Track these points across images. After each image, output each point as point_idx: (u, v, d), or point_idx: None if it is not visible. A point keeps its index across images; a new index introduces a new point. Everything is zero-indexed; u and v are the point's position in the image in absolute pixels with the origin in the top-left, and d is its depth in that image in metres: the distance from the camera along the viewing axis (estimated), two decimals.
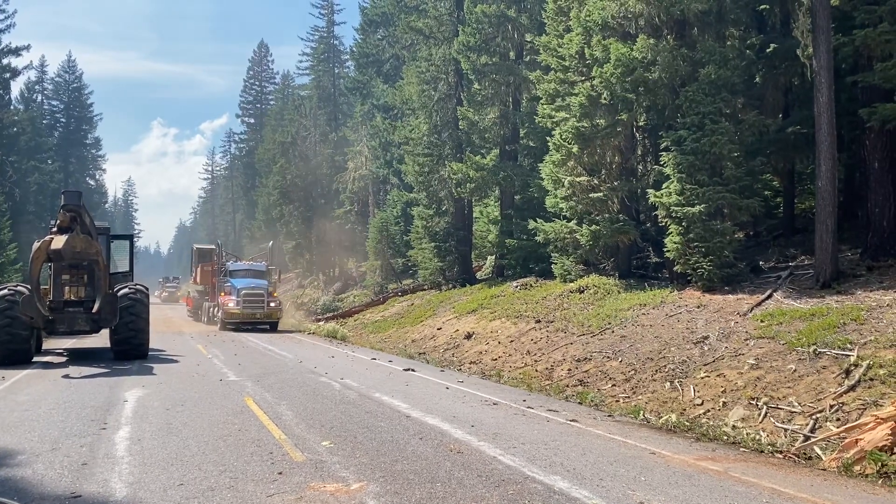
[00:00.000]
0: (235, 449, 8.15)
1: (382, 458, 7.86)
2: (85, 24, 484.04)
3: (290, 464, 7.53)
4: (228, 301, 29.14)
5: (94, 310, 16.40)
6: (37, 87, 72.29)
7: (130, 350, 17.39)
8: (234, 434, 8.96)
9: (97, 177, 77.68)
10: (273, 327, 29.89)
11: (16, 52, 46.72)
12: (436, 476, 7.15)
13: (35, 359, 17.21)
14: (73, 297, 17.42)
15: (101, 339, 20.26)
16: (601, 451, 8.50)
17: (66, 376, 14.29)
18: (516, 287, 23.61)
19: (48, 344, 20.52)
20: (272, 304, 29.51)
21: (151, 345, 18.91)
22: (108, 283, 17.04)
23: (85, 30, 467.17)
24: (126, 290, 17.67)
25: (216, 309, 31.59)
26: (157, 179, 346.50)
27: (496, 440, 8.88)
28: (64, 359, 17.94)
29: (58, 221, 15.96)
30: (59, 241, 15.30)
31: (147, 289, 18.80)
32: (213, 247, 39.12)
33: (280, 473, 7.13)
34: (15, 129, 51.80)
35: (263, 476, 7.03)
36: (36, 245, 15.90)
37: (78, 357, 18.26)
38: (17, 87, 68.96)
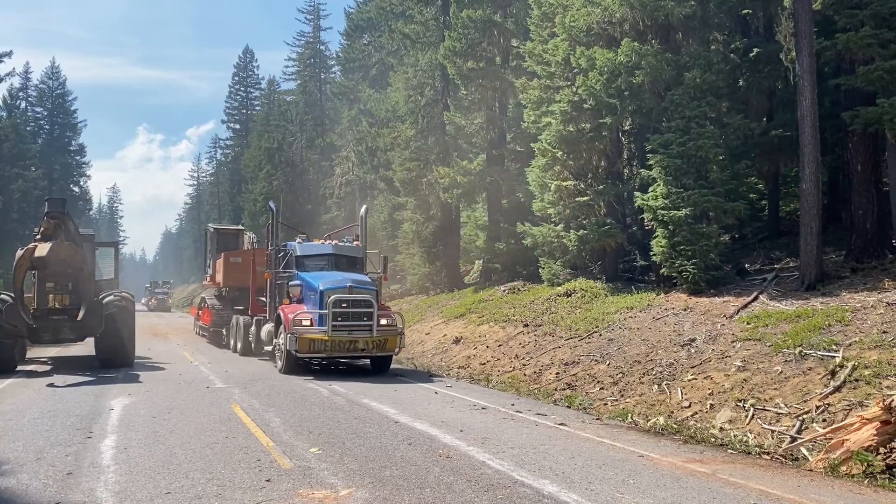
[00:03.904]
0: (223, 456, 8.09)
1: (371, 464, 7.83)
2: (70, 29, 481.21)
3: (278, 471, 7.48)
4: (301, 316, 15.55)
5: (79, 318, 16.23)
6: (20, 93, 71.52)
7: (116, 358, 17.24)
8: (222, 441, 8.90)
9: (81, 183, 76.83)
10: (383, 366, 16.62)
11: None
12: (425, 482, 7.13)
13: (19, 368, 16.98)
14: (57, 305, 17.25)
15: (86, 348, 20.06)
16: (590, 454, 8.51)
17: (51, 385, 14.13)
18: (504, 291, 23.63)
19: (32, 353, 20.27)
20: (384, 322, 15.95)
21: (137, 352, 18.76)
22: (93, 291, 16.89)
23: (70, 36, 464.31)
24: (111, 298, 17.54)
25: (276, 333, 16.87)
26: (143, 186, 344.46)
27: (485, 445, 8.87)
28: (48, 367, 17.74)
29: (41, 229, 15.81)
30: (42, 249, 15.16)
31: (133, 296, 18.66)
32: (242, 227, 27.26)
33: (268, 481, 7.08)
34: None
35: (251, 484, 6.98)
36: (19, 253, 15.76)
37: (62, 365, 18.06)
38: None
